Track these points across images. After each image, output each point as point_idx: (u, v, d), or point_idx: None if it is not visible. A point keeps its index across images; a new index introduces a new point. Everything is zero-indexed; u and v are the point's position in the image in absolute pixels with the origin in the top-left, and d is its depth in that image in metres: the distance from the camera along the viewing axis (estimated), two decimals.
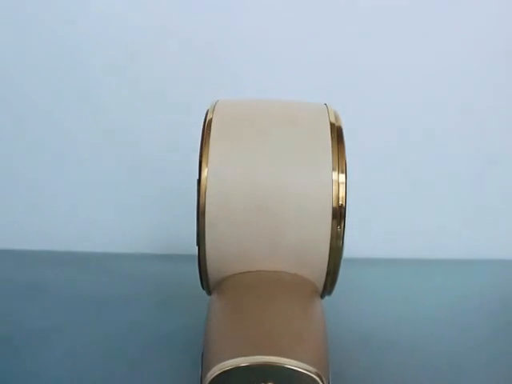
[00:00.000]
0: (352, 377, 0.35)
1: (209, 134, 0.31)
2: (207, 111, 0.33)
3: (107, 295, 0.45)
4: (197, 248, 0.31)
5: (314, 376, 0.25)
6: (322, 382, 0.25)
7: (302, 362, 0.25)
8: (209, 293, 0.33)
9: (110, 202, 0.55)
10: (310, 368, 0.25)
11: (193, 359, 0.31)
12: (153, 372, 0.35)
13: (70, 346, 0.38)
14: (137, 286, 0.47)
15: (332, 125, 0.32)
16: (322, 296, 0.33)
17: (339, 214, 0.30)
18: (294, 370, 0.25)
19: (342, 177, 0.30)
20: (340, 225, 0.30)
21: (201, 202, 0.30)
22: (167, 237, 0.55)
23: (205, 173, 0.30)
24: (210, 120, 0.32)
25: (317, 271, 0.31)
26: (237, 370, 0.25)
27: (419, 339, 0.40)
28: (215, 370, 0.25)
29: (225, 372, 0.25)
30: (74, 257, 0.54)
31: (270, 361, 0.25)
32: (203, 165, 0.30)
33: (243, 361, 0.25)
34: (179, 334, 0.39)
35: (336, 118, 0.32)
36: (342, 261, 0.32)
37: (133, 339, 0.39)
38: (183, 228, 0.39)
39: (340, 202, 0.30)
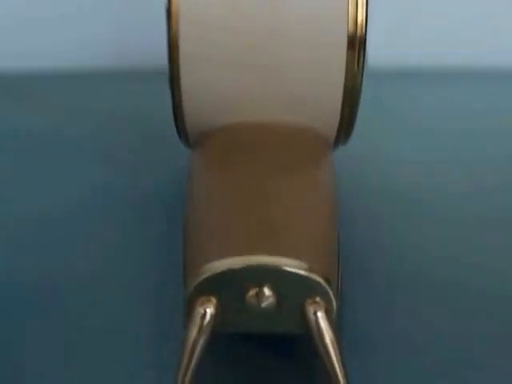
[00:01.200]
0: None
1: None
2: None
3: (53, 131, 0.37)
4: (170, 92, 0.24)
5: (320, 279, 0.20)
6: (330, 285, 0.21)
7: (304, 261, 0.20)
8: (189, 146, 0.27)
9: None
10: (316, 268, 0.21)
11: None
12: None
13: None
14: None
15: None
16: (335, 147, 0.26)
17: (358, 44, 0.22)
18: (296, 272, 0.20)
19: None
20: (358, 59, 0.22)
21: (172, 33, 0.22)
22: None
23: None
24: None
25: (326, 121, 0.24)
26: (228, 272, 0.21)
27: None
28: (202, 273, 0.21)
29: (214, 274, 0.21)
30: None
31: (267, 262, 0.21)
32: None
33: (235, 262, 0.21)
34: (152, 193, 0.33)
35: None
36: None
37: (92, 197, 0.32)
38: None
39: (359, 27, 0.21)
